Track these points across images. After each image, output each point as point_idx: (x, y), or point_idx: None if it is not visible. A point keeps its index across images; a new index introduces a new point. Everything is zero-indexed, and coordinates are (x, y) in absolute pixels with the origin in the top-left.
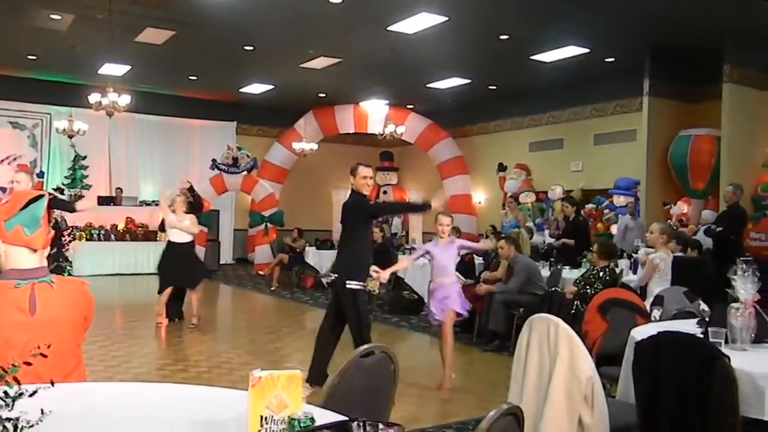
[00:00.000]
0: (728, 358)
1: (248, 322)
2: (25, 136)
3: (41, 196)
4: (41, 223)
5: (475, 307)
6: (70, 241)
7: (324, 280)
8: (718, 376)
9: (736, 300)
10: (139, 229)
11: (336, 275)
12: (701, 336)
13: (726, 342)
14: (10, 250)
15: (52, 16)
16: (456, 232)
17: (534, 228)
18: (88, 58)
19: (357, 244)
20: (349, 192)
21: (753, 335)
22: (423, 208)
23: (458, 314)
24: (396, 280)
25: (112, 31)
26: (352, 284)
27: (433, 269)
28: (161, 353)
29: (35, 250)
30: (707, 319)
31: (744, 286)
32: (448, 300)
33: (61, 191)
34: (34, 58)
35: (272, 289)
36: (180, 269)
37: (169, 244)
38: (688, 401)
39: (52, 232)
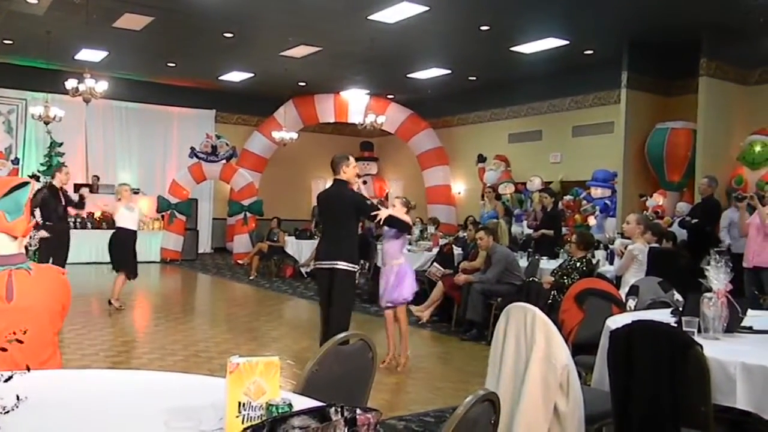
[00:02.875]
0: (701, 346)
1: (227, 311)
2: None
3: (26, 183)
4: (23, 210)
5: (453, 297)
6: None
7: (304, 270)
8: (691, 365)
9: (709, 290)
10: None
11: (333, 261)
12: (675, 325)
13: (699, 331)
14: None
15: (29, 0)
16: (434, 223)
17: (513, 219)
18: (65, 44)
19: (353, 233)
20: (337, 182)
21: (725, 324)
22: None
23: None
24: (375, 270)
25: (89, 16)
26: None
27: (384, 253)
28: (138, 342)
29: (15, 237)
30: (681, 309)
31: (717, 277)
32: (402, 288)
33: (37, 178)
34: (10, 42)
35: (251, 278)
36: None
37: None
38: (662, 389)
39: (33, 220)
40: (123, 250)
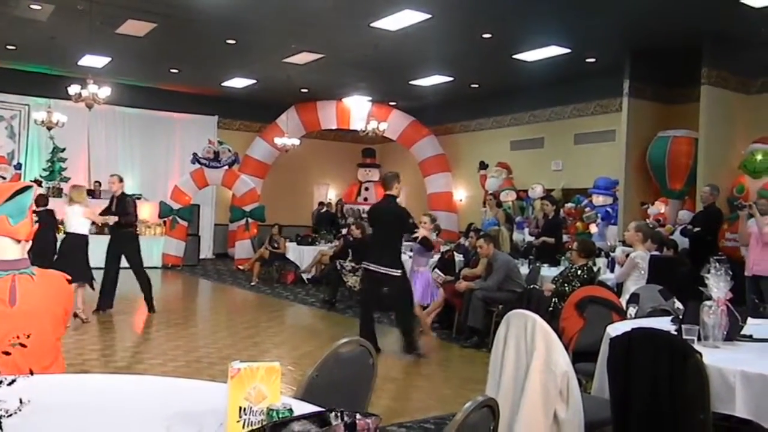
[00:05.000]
0: (700, 354)
1: (228, 316)
2: (2, 128)
3: (29, 187)
4: (27, 214)
5: (454, 304)
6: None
7: (306, 276)
8: (690, 373)
9: (709, 298)
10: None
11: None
12: (675, 333)
13: (699, 339)
14: None
15: (32, 6)
16: (435, 229)
17: (514, 226)
18: (68, 49)
19: (398, 242)
20: (388, 196)
21: (725, 333)
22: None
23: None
24: None
25: (92, 22)
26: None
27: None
28: (140, 347)
29: (18, 241)
30: (681, 317)
31: (717, 285)
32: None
33: (39, 184)
34: (13, 48)
35: (252, 284)
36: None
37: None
38: (661, 397)
39: (36, 225)
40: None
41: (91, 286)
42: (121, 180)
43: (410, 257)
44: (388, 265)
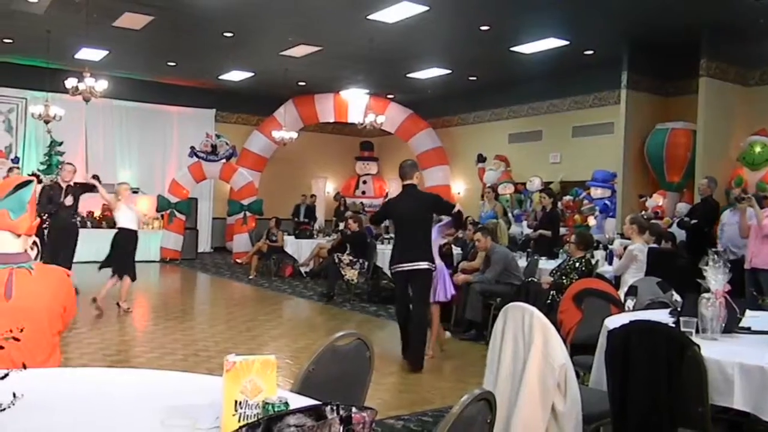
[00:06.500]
0: (698, 347)
1: (226, 310)
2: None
3: (30, 181)
4: (27, 208)
5: (452, 297)
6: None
7: (304, 270)
8: (688, 365)
9: (707, 290)
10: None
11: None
12: (673, 325)
13: (697, 331)
14: None
15: None
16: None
17: (512, 219)
18: (65, 43)
19: (429, 233)
20: (410, 186)
21: (723, 325)
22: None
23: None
24: (374, 270)
25: (89, 15)
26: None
27: None
28: (138, 341)
29: (18, 235)
30: (679, 309)
31: (715, 277)
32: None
33: (38, 178)
34: (10, 41)
35: (250, 277)
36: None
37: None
38: (659, 389)
39: (38, 219)
40: (126, 252)
41: (132, 278)
42: (75, 171)
43: None
44: (419, 259)
